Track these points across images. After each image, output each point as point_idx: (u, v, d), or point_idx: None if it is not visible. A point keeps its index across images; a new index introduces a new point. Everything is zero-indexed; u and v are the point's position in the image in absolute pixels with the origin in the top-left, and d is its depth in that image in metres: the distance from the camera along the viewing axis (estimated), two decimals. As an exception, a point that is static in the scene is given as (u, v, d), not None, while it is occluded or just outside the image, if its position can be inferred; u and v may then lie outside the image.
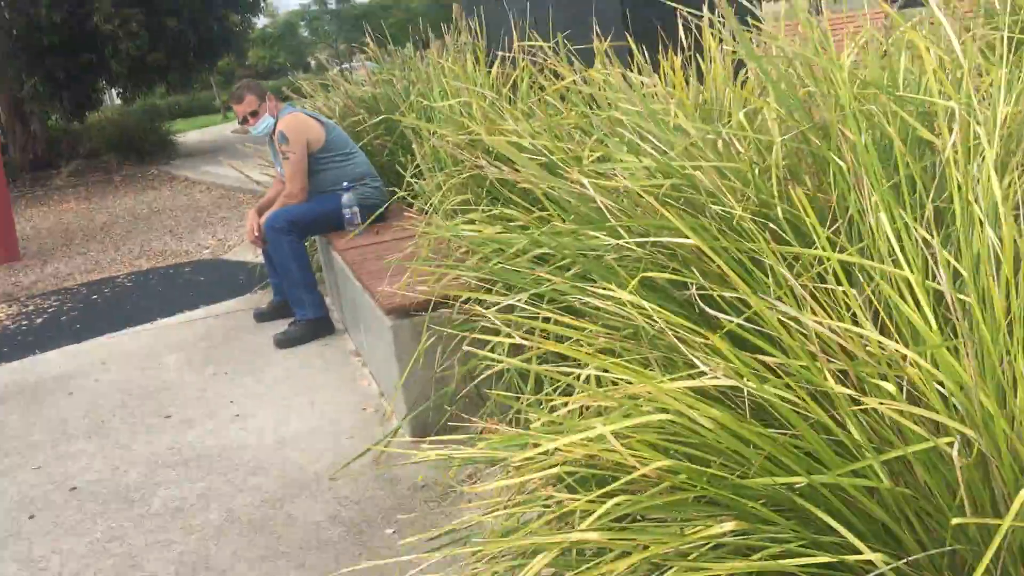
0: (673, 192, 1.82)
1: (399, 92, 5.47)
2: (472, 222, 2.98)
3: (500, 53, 4.69)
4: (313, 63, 55.74)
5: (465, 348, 2.97)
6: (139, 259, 7.61)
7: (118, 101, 22.47)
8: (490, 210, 2.98)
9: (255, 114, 4.53)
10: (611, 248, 1.85)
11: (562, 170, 2.53)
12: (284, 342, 4.40)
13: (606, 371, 1.61)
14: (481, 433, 2.00)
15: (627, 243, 1.82)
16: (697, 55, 3.43)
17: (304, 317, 4.45)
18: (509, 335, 1.96)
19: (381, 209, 4.61)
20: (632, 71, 3.36)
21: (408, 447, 3.05)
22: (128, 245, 8.56)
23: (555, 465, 1.57)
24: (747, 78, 2.98)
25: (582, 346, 1.70)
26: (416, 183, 4.58)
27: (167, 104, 34.05)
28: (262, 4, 16.66)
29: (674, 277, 1.63)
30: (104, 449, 3.48)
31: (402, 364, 3.07)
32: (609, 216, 1.83)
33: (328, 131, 4.58)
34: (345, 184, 4.40)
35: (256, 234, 4.49)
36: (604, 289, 1.70)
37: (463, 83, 3.99)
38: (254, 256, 6.54)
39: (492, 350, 2.75)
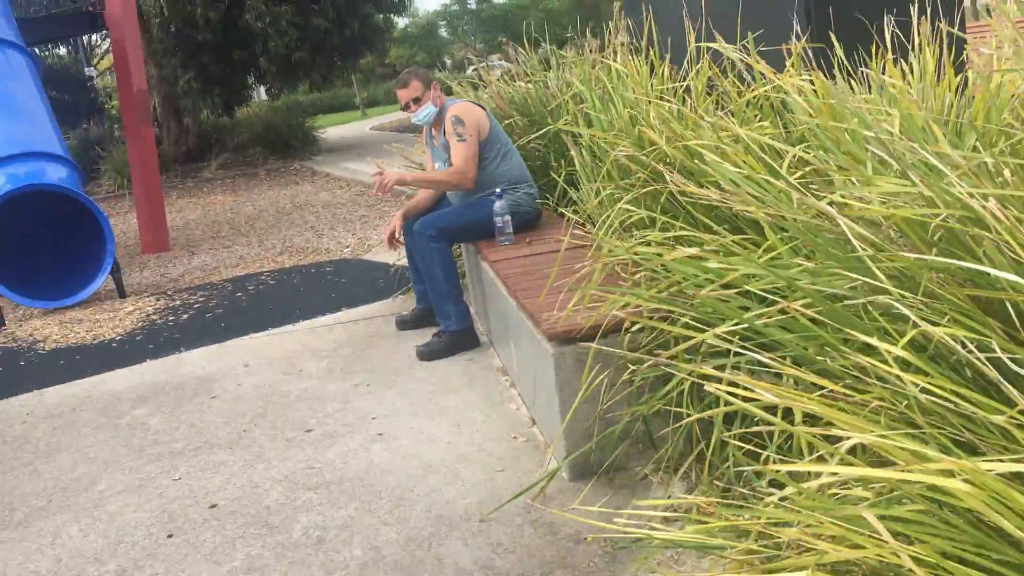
0: (941, 225, 1.46)
1: (553, 94, 5.19)
2: (649, 243, 2.67)
3: (667, 54, 4.35)
4: (449, 62, 56.48)
5: (633, 380, 2.66)
6: (282, 255, 7.62)
7: (265, 97, 23.20)
8: (675, 231, 2.65)
9: (418, 100, 4.32)
10: (863, 290, 1.50)
11: (766, 188, 2.18)
12: (428, 355, 4.19)
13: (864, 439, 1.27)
14: (689, 512, 1.68)
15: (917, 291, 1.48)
16: (901, 59, 3.01)
17: (449, 329, 4.24)
18: (727, 380, 1.63)
19: (533, 218, 4.36)
20: (832, 76, 2.98)
21: (569, 490, 2.75)
22: (271, 240, 8.63)
23: (803, 568, 1.23)
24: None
25: (835, 406, 1.36)
26: (574, 193, 4.30)
27: (310, 100, 35.07)
28: (406, 4, 16.76)
29: (967, 335, 1.28)
30: (245, 462, 3.34)
31: (563, 396, 2.78)
32: (859, 249, 1.49)
33: (492, 126, 4.36)
34: (498, 190, 4.15)
35: (397, 237, 4.29)
36: (856, 340, 1.36)
37: (633, 86, 3.67)
38: (395, 258, 6.41)
39: (672, 391, 2.43)
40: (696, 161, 2.72)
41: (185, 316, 5.70)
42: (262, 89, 20.31)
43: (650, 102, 3.24)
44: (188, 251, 8.68)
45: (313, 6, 15.23)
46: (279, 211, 10.70)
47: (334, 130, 22.76)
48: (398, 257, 6.40)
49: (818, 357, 1.53)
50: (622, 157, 3.14)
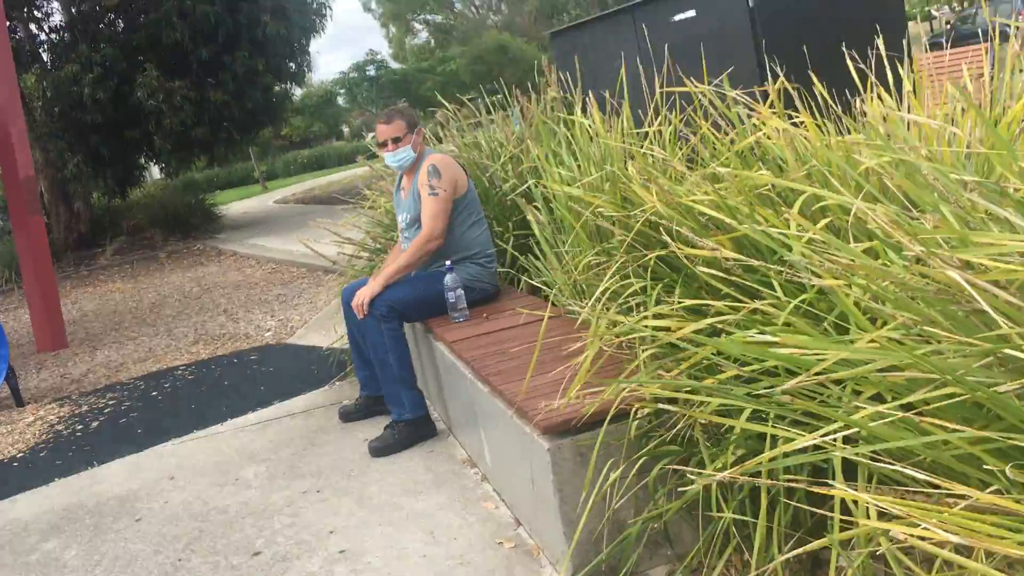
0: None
1: (488, 153, 4.90)
2: (649, 316, 2.35)
3: (617, 105, 4.11)
4: (347, 130, 56.18)
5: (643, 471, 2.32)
6: (196, 345, 7.07)
7: (158, 176, 22.36)
8: (674, 301, 2.34)
9: (398, 141, 3.97)
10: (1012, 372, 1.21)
11: (845, 252, 1.89)
12: (382, 450, 3.77)
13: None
14: None
15: None
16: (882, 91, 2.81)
17: (403, 418, 3.83)
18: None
19: (491, 295, 4.02)
20: (803, 116, 2.76)
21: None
22: (181, 328, 8.04)
23: None
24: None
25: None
26: (526, 261, 3.98)
27: (206, 177, 34.18)
28: (305, 73, 16.42)
29: None
30: (186, 602, 2.85)
31: (563, 496, 2.42)
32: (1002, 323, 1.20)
33: (469, 187, 4.03)
34: (448, 263, 3.79)
35: (354, 303, 3.86)
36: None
37: (596, 138, 3.39)
38: (325, 340, 5.96)
39: (695, 490, 2.10)
40: (699, 218, 2.43)
41: (95, 423, 5.11)
42: (155, 168, 19.58)
43: (631, 155, 2.96)
44: (89, 346, 8.02)
45: (209, 79, 14.73)
46: (186, 296, 10.09)
47: (236, 205, 22.08)
48: (335, 339, 5.96)
49: (960, 468, 1.23)
50: (600, 218, 2.84)
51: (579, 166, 3.40)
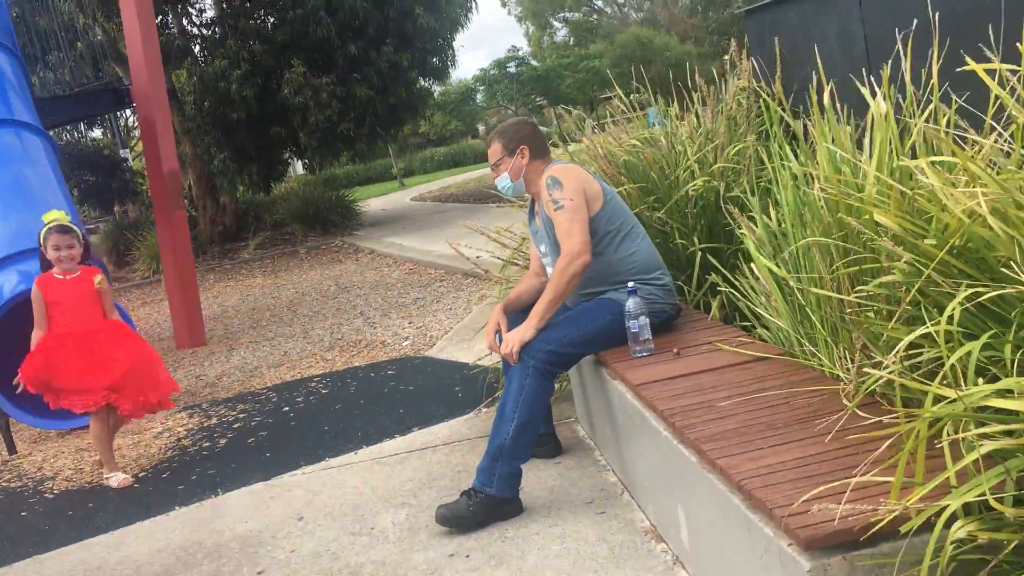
0: None
1: (672, 153, 4.20)
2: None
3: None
4: (482, 128, 56.10)
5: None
6: (331, 351, 6.65)
7: (301, 171, 22.57)
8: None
9: (497, 167, 3.46)
10: None
11: None
12: (449, 519, 3.09)
13: None
14: None
15: None
16: None
17: (485, 491, 3.11)
18: None
19: (671, 318, 3.34)
20: None
21: None
22: (318, 330, 7.68)
23: None
24: None
25: None
26: (741, 281, 3.26)
27: (345, 173, 34.62)
28: (448, 70, 16.08)
29: None
30: None
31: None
32: None
33: (606, 194, 3.35)
34: (630, 285, 3.12)
35: (504, 350, 3.21)
36: None
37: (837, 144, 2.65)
38: (471, 356, 5.39)
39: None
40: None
41: (222, 441, 4.70)
42: (298, 163, 19.72)
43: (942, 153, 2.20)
44: (226, 346, 7.77)
45: (354, 75, 14.54)
46: (323, 295, 9.80)
47: (374, 202, 22.06)
48: (474, 355, 5.40)
49: None
50: (875, 236, 2.10)
51: (814, 171, 2.66)
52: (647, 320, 3.07)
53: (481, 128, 55.66)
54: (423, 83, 15.91)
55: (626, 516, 3.02)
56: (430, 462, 3.87)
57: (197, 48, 15.88)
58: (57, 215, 4.33)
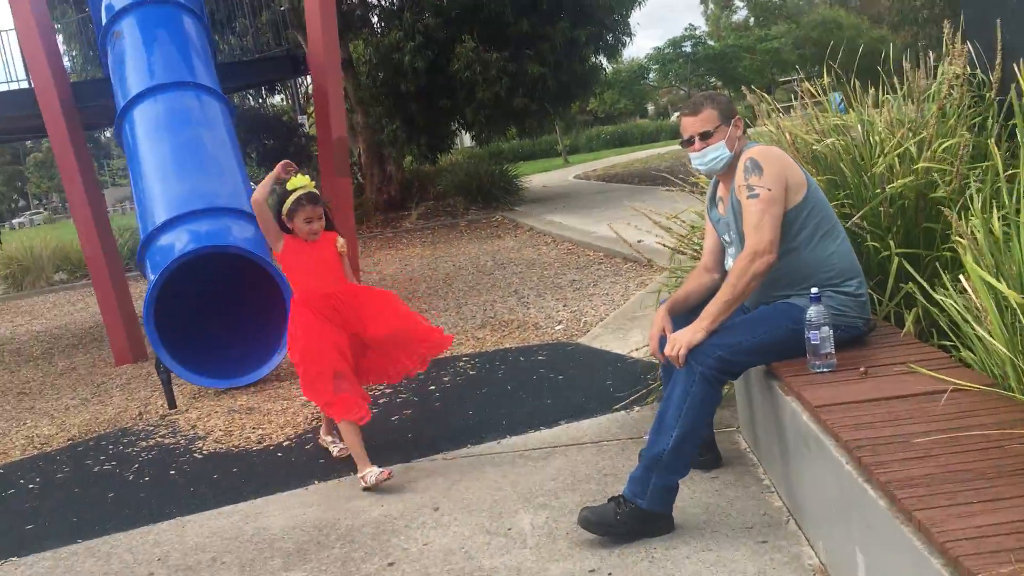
0: None
1: (867, 144, 3.76)
2: None
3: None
4: (652, 108, 55.00)
5: None
6: (483, 329, 6.53)
7: (469, 143, 22.72)
8: None
9: (708, 137, 3.00)
10: None
11: None
12: (594, 525, 2.82)
13: None
14: None
15: None
16: None
17: (636, 502, 2.82)
18: None
19: (863, 335, 2.96)
20: None
21: None
22: (471, 306, 7.59)
23: None
24: None
25: None
26: (946, 297, 2.84)
27: (511, 148, 34.75)
28: (623, 46, 15.67)
29: None
30: None
31: None
32: None
33: (810, 185, 2.97)
34: (814, 290, 2.76)
35: (669, 352, 2.92)
36: None
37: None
38: (626, 347, 5.12)
39: None
40: None
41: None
42: (466, 136, 19.85)
43: None
44: (381, 314, 7.78)
45: (527, 51, 14.38)
46: (479, 270, 9.73)
47: (536, 178, 21.97)
48: (629, 346, 5.12)
49: None
50: None
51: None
52: (830, 331, 2.71)
53: (651, 107, 54.59)
54: (595, 60, 15.58)
55: (791, 549, 2.68)
56: (575, 461, 3.63)
57: (375, 19, 16.15)
58: (303, 181, 3.87)
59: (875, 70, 4.27)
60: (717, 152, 2.99)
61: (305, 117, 19.45)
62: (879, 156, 3.56)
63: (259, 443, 4.38)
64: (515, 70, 14.22)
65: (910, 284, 3.22)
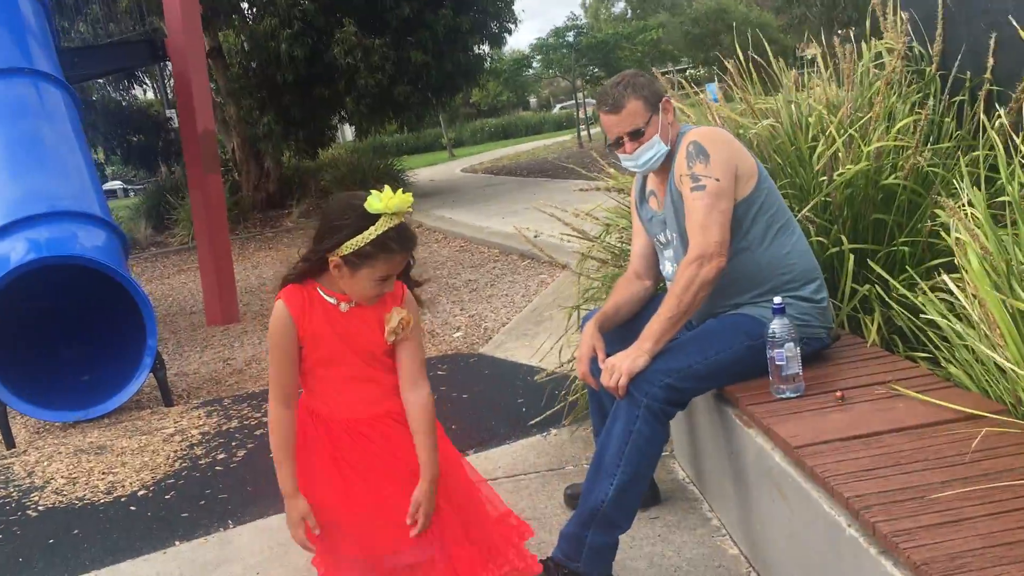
0: None
1: (803, 127, 3.34)
2: None
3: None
4: (534, 100, 54.78)
5: None
6: (373, 339, 5.92)
7: (351, 137, 21.82)
8: None
9: (639, 135, 2.48)
10: None
11: None
12: None
13: None
14: None
15: None
16: None
17: (569, 565, 2.30)
18: None
19: (826, 346, 2.52)
20: None
21: None
22: (358, 312, 6.96)
23: None
24: None
25: None
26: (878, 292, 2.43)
27: (394, 141, 33.93)
28: (506, 36, 15.18)
29: None
30: None
31: None
32: None
33: (760, 172, 2.51)
34: (777, 301, 2.30)
35: (606, 381, 2.38)
36: None
37: None
38: (534, 357, 4.61)
39: None
40: None
41: (240, 453, 3.96)
42: (348, 130, 19.04)
43: None
44: (261, 324, 7.10)
45: (408, 38, 13.73)
46: (367, 271, 9.08)
47: (423, 172, 21.31)
48: (537, 355, 4.61)
49: None
50: None
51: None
52: (797, 349, 2.26)
53: (533, 100, 54.32)
54: (479, 50, 15.05)
55: (759, 614, 2.22)
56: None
57: (246, 5, 15.19)
58: (396, 203, 1.88)
59: (766, 55, 3.89)
60: (652, 150, 2.50)
61: (174, 111, 18.26)
62: (822, 140, 3.15)
63: (108, 493, 3.67)
64: (397, 58, 13.56)
65: (867, 285, 2.82)
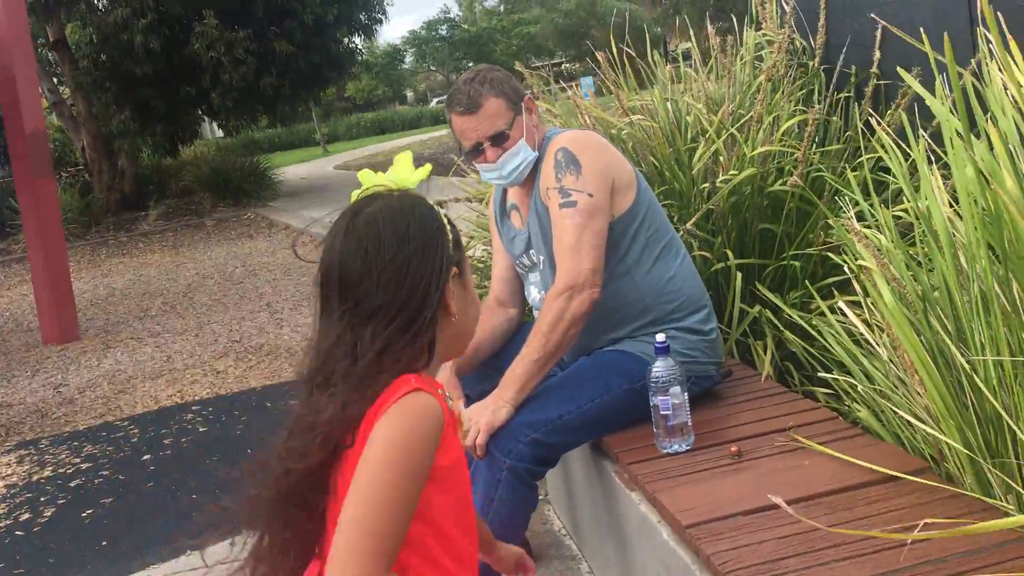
0: None
1: (667, 129, 3.02)
2: None
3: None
4: (411, 95, 54.09)
5: None
6: (224, 358, 5.39)
7: (219, 133, 20.79)
8: None
9: (503, 138, 2.08)
10: None
11: None
12: None
13: None
14: None
15: None
16: None
17: None
18: None
19: (715, 386, 2.19)
20: None
21: None
22: (214, 325, 6.41)
23: None
24: None
25: None
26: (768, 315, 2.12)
27: (265, 137, 32.73)
28: (377, 26, 14.59)
29: None
30: None
31: None
32: None
33: (639, 183, 2.14)
34: (660, 339, 1.93)
35: (465, 439, 1.99)
36: None
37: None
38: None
39: None
40: None
41: (48, 512, 3.37)
42: (216, 125, 18.09)
43: None
44: (102, 342, 6.43)
45: (274, 28, 13.02)
46: (227, 278, 8.47)
47: (293, 169, 20.48)
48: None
49: None
50: None
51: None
52: (685, 395, 1.91)
53: (410, 94, 53.61)
54: (349, 42, 14.44)
55: None
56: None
57: (94, -7, 14.16)
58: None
59: (640, 48, 3.60)
60: (519, 158, 2.10)
61: None
62: (702, 142, 2.83)
63: None
64: (262, 50, 12.85)
65: (757, 306, 2.51)
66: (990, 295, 1.45)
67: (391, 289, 1.09)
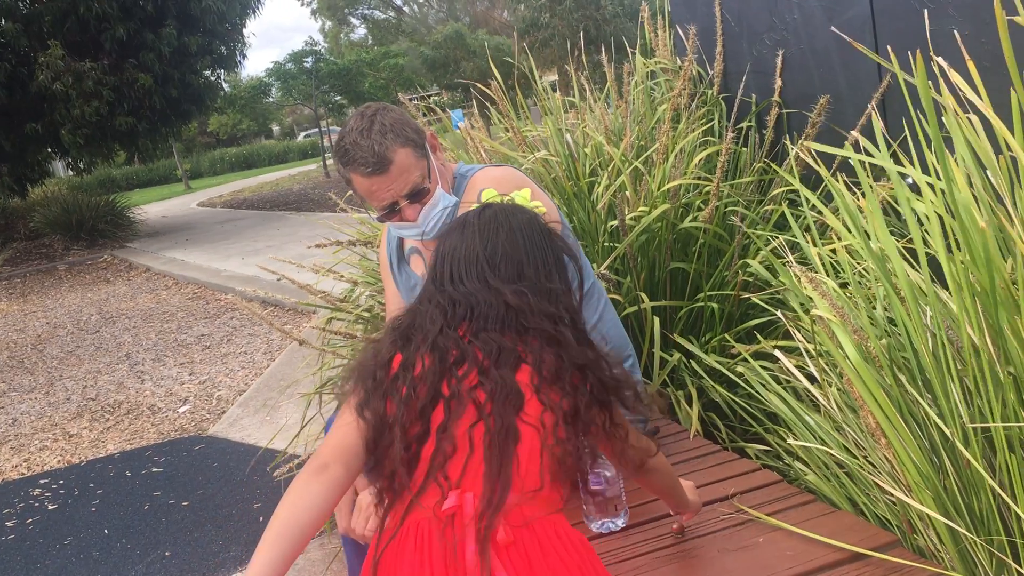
0: None
1: (578, 161, 2.82)
2: None
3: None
4: (277, 129, 52.80)
5: None
6: (78, 419, 4.86)
7: (71, 172, 19.59)
8: None
9: (422, 193, 1.80)
10: None
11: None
12: None
13: None
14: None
15: None
16: None
17: None
18: None
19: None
20: None
21: None
22: (67, 381, 5.83)
23: None
24: None
25: None
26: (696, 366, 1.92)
27: (123, 175, 31.21)
28: (239, 59, 14.00)
29: None
30: None
31: None
32: None
33: (565, 224, 1.90)
34: (587, 402, 1.70)
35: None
36: None
37: None
38: (268, 431, 3.81)
39: None
40: None
41: None
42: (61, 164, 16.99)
43: None
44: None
45: (130, 60, 12.31)
46: (81, 327, 7.81)
47: (154, 207, 19.53)
48: (280, 432, 3.82)
49: None
50: None
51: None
52: (624, 495, 1.67)
53: (276, 128, 52.27)
54: (209, 75, 13.81)
55: None
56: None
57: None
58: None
59: (509, 81, 3.42)
60: (439, 207, 1.81)
61: None
62: (604, 175, 2.63)
63: None
64: (116, 83, 12.11)
65: (676, 353, 2.32)
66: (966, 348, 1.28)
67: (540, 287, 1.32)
